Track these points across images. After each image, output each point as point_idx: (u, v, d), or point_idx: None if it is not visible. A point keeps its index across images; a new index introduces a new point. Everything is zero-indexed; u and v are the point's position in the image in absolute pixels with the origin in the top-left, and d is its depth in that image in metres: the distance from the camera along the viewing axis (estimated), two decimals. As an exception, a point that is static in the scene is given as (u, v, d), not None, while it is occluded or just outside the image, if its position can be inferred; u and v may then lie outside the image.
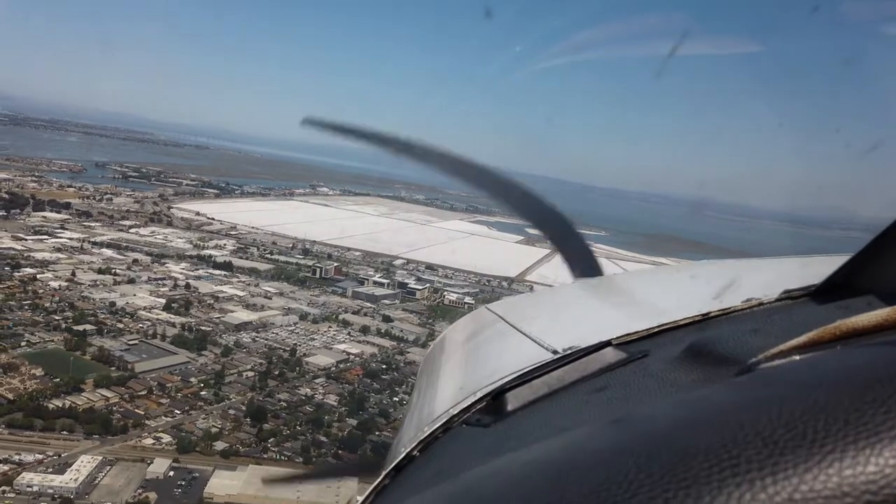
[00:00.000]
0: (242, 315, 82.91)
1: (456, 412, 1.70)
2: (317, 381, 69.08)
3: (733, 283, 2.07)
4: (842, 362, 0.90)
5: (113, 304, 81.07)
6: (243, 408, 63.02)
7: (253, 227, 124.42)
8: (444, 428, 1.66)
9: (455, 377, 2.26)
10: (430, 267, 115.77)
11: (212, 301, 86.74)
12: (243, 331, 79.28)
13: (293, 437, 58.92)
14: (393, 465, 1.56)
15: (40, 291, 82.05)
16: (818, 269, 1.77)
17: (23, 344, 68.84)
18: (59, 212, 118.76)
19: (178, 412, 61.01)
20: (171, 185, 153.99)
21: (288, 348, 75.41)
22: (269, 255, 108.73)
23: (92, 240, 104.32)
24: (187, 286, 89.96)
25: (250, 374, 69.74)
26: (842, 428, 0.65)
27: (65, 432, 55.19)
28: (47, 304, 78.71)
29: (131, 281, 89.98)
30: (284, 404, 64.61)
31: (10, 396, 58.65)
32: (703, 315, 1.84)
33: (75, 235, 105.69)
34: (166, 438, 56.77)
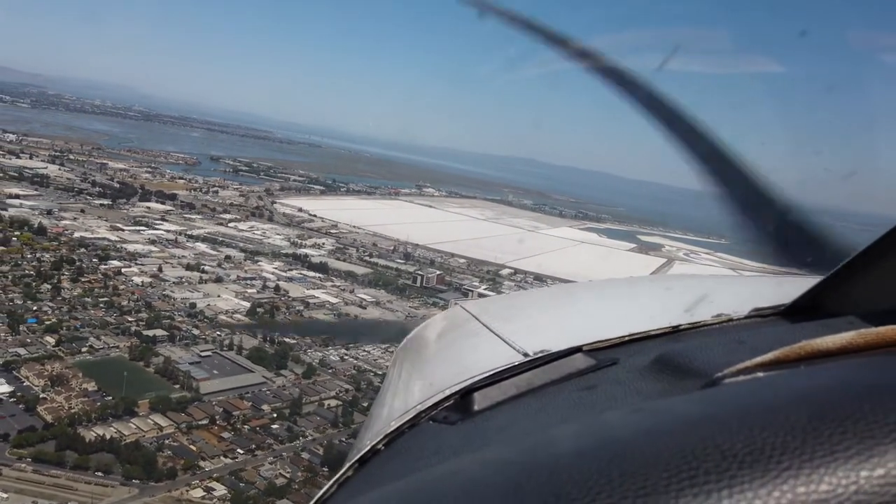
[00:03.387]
0: (332, 327, 68.50)
1: (423, 408, 1.65)
2: (411, 418, 53.19)
3: (705, 297, 2.00)
4: (804, 382, 0.90)
5: (193, 305, 68.51)
6: (320, 451, 47.98)
7: (354, 227, 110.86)
8: (411, 424, 1.61)
9: (425, 374, 2.16)
10: (539, 278, 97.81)
11: (301, 307, 72.88)
12: (331, 346, 64.71)
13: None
14: (357, 457, 1.52)
15: (121, 287, 70.68)
16: (789, 289, 1.74)
17: (84, 350, 56.74)
18: (163, 203, 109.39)
19: (241, 451, 46.57)
20: (279, 181, 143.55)
21: (380, 372, 60.11)
22: (367, 258, 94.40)
23: (188, 233, 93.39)
24: (277, 288, 76.64)
25: (333, 403, 54.88)
26: (799, 446, 0.64)
27: (99, 473, 41.64)
28: (124, 303, 67.01)
29: (218, 280, 77.56)
30: (370, 448, 49.05)
31: (49, 418, 46.06)
32: (674, 327, 1.81)
33: (173, 228, 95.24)
34: (220, 490, 42.30)
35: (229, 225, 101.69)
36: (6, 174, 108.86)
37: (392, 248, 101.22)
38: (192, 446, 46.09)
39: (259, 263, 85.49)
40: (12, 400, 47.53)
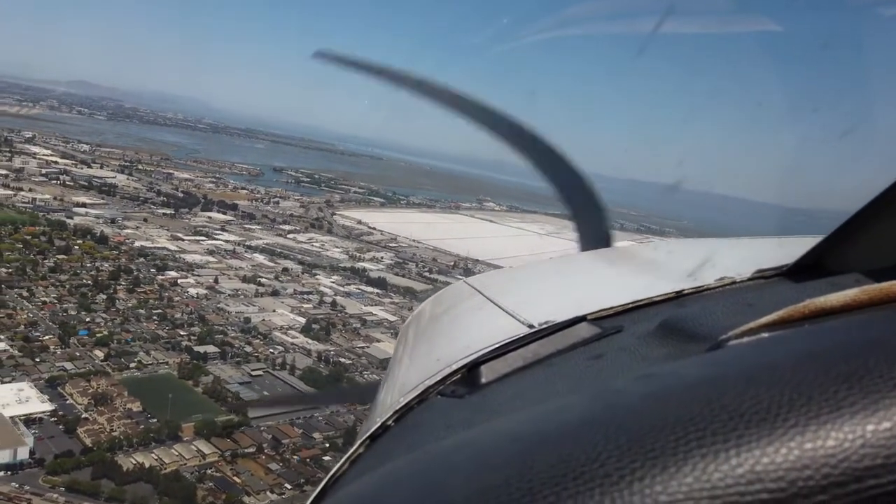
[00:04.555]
0: (389, 347, 63.50)
1: (431, 383, 1.64)
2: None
3: (707, 261, 1.99)
4: (808, 340, 0.88)
5: (248, 320, 64.91)
6: (373, 488, 42.80)
7: (414, 241, 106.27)
8: (420, 399, 1.61)
9: (431, 349, 2.14)
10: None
11: (357, 325, 68.41)
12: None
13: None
14: (368, 434, 1.51)
15: (176, 299, 67.77)
16: (791, 249, 1.75)
17: (132, 365, 53.54)
18: (224, 213, 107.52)
19: (289, 486, 41.96)
20: (340, 192, 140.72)
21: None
22: (426, 274, 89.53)
23: (247, 243, 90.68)
24: (333, 304, 72.45)
25: (389, 433, 49.79)
26: (805, 403, 0.64)
27: (134, 508, 37.81)
28: (177, 315, 63.96)
29: (275, 293, 73.98)
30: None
31: (88, 442, 42.54)
32: (677, 292, 1.79)
33: (232, 238, 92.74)
34: (263, 532, 37.76)
35: (288, 236, 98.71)
36: (76, 183, 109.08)
37: (452, 263, 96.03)
38: (236, 478, 41.78)
39: (317, 277, 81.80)
40: (53, 420, 44.35)
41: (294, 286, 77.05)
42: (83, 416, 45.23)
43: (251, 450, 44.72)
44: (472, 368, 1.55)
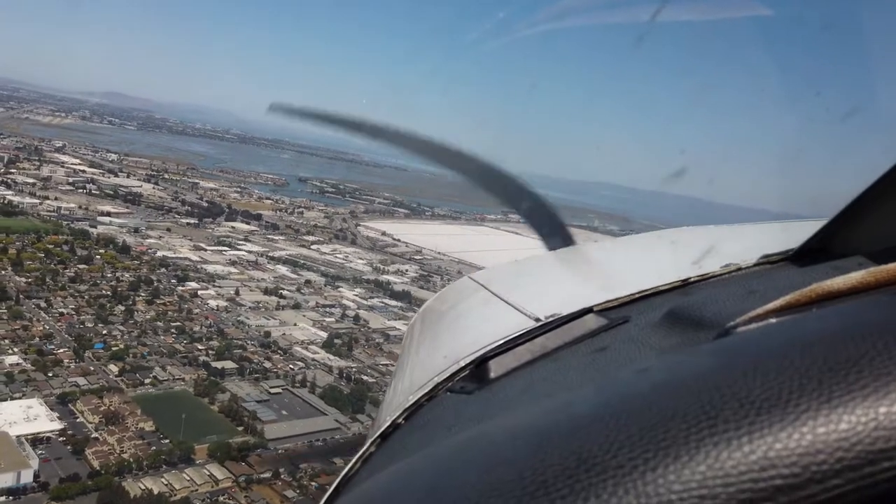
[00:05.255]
0: (413, 364, 60.53)
1: (440, 380, 1.64)
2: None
3: (712, 248, 1.98)
4: (816, 324, 0.87)
5: (268, 334, 62.31)
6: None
7: (439, 253, 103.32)
8: (429, 396, 1.60)
9: (439, 346, 2.13)
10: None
11: (380, 340, 65.44)
12: (412, 386, 56.67)
13: None
14: (378, 432, 1.51)
15: (195, 311, 65.50)
16: (796, 233, 1.73)
17: (147, 381, 51.08)
18: (248, 223, 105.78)
19: (305, 517, 39.03)
20: (364, 203, 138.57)
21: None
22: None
23: (270, 254, 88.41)
24: (356, 318, 69.65)
25: (412, 458, 46.59)
26: (816, 387, 0.63)
27: (141, 538, 35.05)
28: (196, 328, 61.59)
29: (297, 306, 71.35)
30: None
31: (96, 464, 39.97)
32: (683, 280, 1.77)
33: (255, 249, 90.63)
34: (277, 568, 34.71)
35: (312, 247, 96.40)
36: (102, 192, 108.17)
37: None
38: (250, 507, 38.84)
39: (340, 289, 79.11)
40: (62, 440, 41.91)
41: (316, 299, 74.46)
42: (93, 435, 42.79)
43: (267, 475, 41.88)
44: (480, 364, 1.53)
